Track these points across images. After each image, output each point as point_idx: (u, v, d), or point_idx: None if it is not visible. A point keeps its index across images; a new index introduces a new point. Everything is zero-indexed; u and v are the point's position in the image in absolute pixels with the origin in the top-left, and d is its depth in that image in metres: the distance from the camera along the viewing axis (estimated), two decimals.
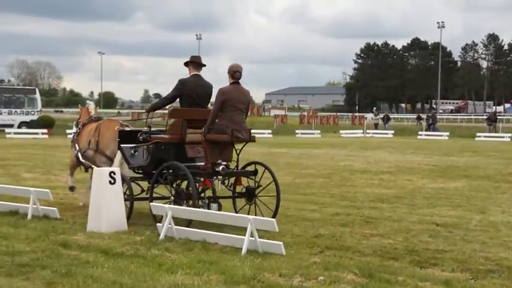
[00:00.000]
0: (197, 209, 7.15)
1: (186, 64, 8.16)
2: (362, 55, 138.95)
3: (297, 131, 38.82)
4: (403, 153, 22.70)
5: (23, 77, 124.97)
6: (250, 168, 8.27)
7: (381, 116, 54.58)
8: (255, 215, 7.36)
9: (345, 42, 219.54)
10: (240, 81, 7.86)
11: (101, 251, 6.20)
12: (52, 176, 13.44)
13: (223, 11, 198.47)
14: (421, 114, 58.22)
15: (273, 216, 7.71)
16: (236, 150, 8.12)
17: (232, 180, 8.22)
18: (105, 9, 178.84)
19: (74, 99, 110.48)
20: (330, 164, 17.36)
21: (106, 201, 7.29)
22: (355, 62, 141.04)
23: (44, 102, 62.42)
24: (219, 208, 7.54)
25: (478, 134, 36.82)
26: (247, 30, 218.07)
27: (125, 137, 8.32)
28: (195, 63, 8.10)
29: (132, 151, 8.23)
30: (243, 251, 6.18)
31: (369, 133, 40.88)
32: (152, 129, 8.24)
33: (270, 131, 37.78)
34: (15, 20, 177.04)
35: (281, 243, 6.31)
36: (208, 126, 7.60)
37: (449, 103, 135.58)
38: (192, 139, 7.84)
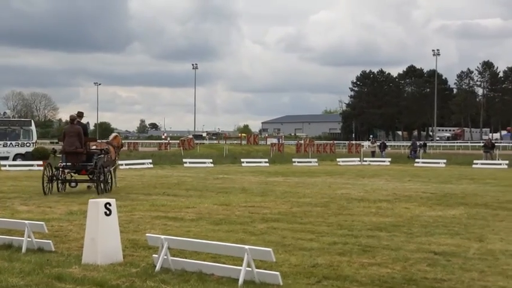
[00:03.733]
0: (194, 240, 7.14)
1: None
2: (358, 83, 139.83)
3: (293, 159, 38.83)
4: (400, 181, 22.70)
5: (19, 109, 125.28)
6: None
7: (378, 143, 54.71)
8: None
9: (340, 70, 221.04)
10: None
11: (96, 284, 6.15)
12: (47, 208, 13.39)
13: (219, 40, 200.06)
14: (416, 141, 58.36)
15: None
16: None
17: None
18: (102, 40, 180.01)
19: None
20: (327, 193, 17.33)
21: (101, 232, 7.27)
22: (351, 89, 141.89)
23: (40, 133, 62.52)
24: None
25: (475, 161, 36.85)
26: (243, 59, 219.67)
27: None
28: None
29: None
30: (240, 281, 6.15)
31: (365, 161, 40.90)
32: None
33: (266, 160, 37.80)
34: (11, 53, 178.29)
35: (278, 273, 6.28)
36: None
37: (446, 130, 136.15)
38: None
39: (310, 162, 38.89)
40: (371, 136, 78.62)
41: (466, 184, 21.35)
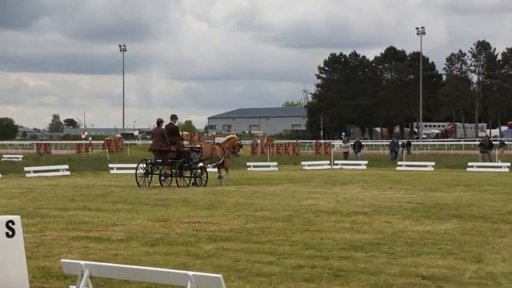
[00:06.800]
0: (123, 266, 7.03)
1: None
2: (326, 68, 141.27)
3: (248, 163, 38.86)
4: (379, 189, 22.92)
5: None
6: None
7: (351, 143, 55.31)
8: None
9: (305, 53, 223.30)
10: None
11: None
12: None
13: (154, 16, 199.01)
14: (396, 140, 59.29)
15: None
16: None
17: None
18: (0, 13, 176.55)
19: None
20: (290, 204, 17.38)
21: (1, 259, 7.08)
22: (319, 77, 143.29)
23: None
24: None
25: (469, 164, 37.58)
26: (184, 40, 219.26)
27: None
28: None
29: None
30: None
31: (337, 164, 41.24)
32: None
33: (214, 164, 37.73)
34: None
35: None
36: None
37: (434, 126, 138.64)
38: None
39: (269, 166, 39.01)
40: (343, 134, 79.61)
41: (460, 192, 21.71)
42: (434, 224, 13.45)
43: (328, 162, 41.72)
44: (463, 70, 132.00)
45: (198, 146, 26.27)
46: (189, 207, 16.55)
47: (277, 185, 24.95)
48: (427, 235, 11.89)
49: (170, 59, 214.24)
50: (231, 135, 28.95)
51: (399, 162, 41.00)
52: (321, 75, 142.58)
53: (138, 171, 24.47)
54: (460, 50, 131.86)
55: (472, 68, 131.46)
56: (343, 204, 17.36)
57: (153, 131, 26.91)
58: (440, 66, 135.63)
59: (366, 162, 41.46)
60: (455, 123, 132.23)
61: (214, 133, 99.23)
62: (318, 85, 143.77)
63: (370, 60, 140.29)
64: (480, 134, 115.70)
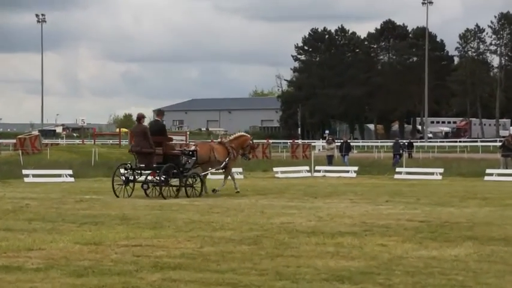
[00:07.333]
0: None
1: None
2: (306, 48, 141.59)
3: None
4: (373, 203, 23.00)
5: None
6: None
7: (338, 143, 55.43)
8: None
9: (278, 28, 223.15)
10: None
11: None
12: None
13: None
14: (400, 140, 59.61)
15: None
16: None
17: None
18: None
19: None
20: (258, 222, 17.37)
21: None
22: (296, 59, 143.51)
23: None
24: None
25: (488, 171, 37.81)
26: (122, 9, 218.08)
27: None
28: None
29: None
30: None
31: (319, 171, 41.32)
32: None
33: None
34: None
35: None
36: None
37: (443, 123, 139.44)
38: None
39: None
40: (327, 132, 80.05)
41: (475, 207, 21.87)
42: (443, 248, 13.52)
43: (307, 168, 41.75)
44: (481, 50, 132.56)
45: (193, 148, 26.96)
46: (128, 226, 16.48)
47: (242, 198, 24.93)
48: (433, 262, 11.95)
49: (103, 34, 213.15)
50: (241, 133, 30.21)
51: (398, 169, 41.11)
52: (299, 56, 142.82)
53: (115, 178, 25.23)
54: (476, 25, 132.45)
55: (493, 47, 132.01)
56: (326, 222, 17.38)
57: (132, 129, 29.41)
58: (452, 46, 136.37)
59: (356, 168, 41.55)
60: (470, 118, 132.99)
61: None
62: (295, 69, 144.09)
63: (362, 37, 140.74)
64: (502, 132, 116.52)
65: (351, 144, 59.37)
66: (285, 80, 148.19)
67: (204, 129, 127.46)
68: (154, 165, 25.05)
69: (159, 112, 27.79)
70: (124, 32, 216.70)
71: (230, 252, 12.86)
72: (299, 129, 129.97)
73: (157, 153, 25.05)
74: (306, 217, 18.62)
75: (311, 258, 12.29)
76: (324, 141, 60.73)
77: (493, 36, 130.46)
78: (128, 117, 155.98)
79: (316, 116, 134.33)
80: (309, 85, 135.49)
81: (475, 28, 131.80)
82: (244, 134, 30.46)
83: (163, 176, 24.67)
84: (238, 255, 12.62)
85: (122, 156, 54.16)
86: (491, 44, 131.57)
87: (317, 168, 41.81)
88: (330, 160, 48.55)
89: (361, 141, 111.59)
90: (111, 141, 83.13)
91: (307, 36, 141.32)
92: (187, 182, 25.20)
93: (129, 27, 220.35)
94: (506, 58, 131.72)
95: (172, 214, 19.23)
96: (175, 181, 25.21)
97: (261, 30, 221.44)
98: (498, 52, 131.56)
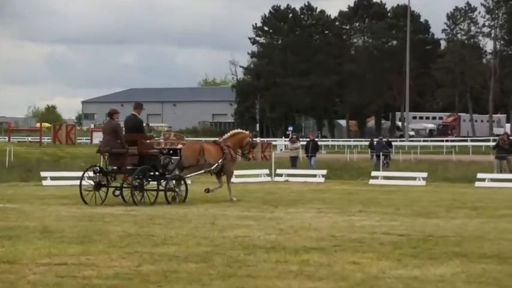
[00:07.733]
0: None
1: None
2: (266, 29, 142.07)
3: None
4: (344, 213, 23.16)
5: None
6: None
7: (303, 142, 55.55)
8: None
9: (233, 5, 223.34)
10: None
11: None
12: None
13: None
14: (374, 138, 59.85)
15: None
16: None
17: None
18: None
19: None
20: (208, 236, 17.43)
21: None
22: (254, 41, 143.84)
23: None
24: None
25: (479, 176, 38.14)
26: None
27: None
28: None
29: None
30: None
31: (280, 175, 41.45)
32: None
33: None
34: None
35: None
36: None
37: (428, 118, 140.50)
38: None
39: None
40: (290, 129, 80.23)
41: (465, 218, 22.08)
42: (426, 266, 13.63)
43: (267, 171, 41.87)
44: (472, 33, 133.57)
45: (179, 146, 28.26)
46: (50, 241, 16.42)
47: (189, 207, 24.98)
48: (414, 283, 12.03)
49: (20, 9, 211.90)
50: (238, 130, 30.69)
51: (374, 173, 41.28)
52: (257, 38, 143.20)
53: (83, 183, 25.89)
54: (467, 3, 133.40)
55: (486, 30, 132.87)
56: (288, 236, 17.46)
57: (102, 127, 30.24)
58: (438, 28, 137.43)
59: (325, 172, 41.76)
60: (459, 114, 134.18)
61: (92, 125, 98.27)
62: (252, 54, 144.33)
63: (333, 17, 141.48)
64: (496, 130, 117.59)
65: (319, 143, 59.53)
66: (241, 66, 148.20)
67: (144, 124, 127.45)
68: (129, 167, 25.61)
69: (137, 105, 27.66)
70: (46, 8, 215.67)
71: (174, 272, 12.85)
72: (257, 125, 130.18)
73: (131, 154, 25.66)
74: (264, 230, 18.66)
75: (270, 278, 12.30)
76: (287, 139, 60.80)
77: (487, 16, 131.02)
78: (51, 109, 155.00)
79: (278, 110, 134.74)
80: (269, 73, 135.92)
81: (465, 6, 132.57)
82: (241, 130, 30.83)
83: (137, 180, 25.29)
84: (184, 275, 12.61)
85: (42, 156, 54.02)
86: (484, 25, 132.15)
87: (278, 171, 41.95)
88: (293, 162, 48.69)
89: (330, 139, 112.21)
90: (29, 139, 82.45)
91: (267, 14, 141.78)
92: (168, 186, 26.03)
93: (53, 1, 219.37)
94: (502, 42, 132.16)
95: (104, 226, 19.19)
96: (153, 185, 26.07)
97: (211, 8, 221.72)
98: (492, 35, 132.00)
